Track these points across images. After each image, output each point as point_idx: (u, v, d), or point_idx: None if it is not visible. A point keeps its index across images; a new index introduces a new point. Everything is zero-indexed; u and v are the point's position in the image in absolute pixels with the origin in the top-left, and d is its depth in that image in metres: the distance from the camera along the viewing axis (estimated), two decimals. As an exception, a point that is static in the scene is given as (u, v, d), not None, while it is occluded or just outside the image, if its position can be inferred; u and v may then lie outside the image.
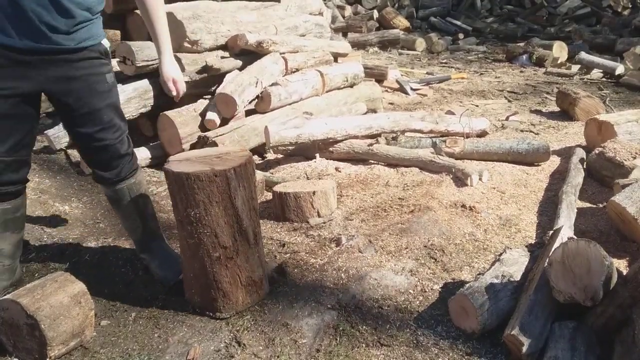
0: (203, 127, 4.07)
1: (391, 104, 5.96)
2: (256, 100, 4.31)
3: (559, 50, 8.63)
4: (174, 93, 2.51)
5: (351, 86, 5.15)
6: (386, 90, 6.39)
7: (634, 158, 3.50)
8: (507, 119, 5.33)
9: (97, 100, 2.24)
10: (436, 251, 2.80)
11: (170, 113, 4.04)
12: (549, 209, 3.30)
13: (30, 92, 2.14)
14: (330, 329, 2.26)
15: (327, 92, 4.85)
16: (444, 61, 8.90)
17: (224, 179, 2.15)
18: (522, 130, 4.97)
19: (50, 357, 2.05)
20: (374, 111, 5.18)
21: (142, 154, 4.17)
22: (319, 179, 3.70)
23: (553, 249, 2.17)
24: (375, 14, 11.20)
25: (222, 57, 4.39)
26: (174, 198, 2.23)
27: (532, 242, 2.93)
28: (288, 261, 2.73)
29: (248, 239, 2.30)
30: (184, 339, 2.22)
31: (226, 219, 2.21)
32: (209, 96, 4.31)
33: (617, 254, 2.75)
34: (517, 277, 2.35)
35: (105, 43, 2.28)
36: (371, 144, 4.02)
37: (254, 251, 2.35)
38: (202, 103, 4.22)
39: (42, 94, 2.22)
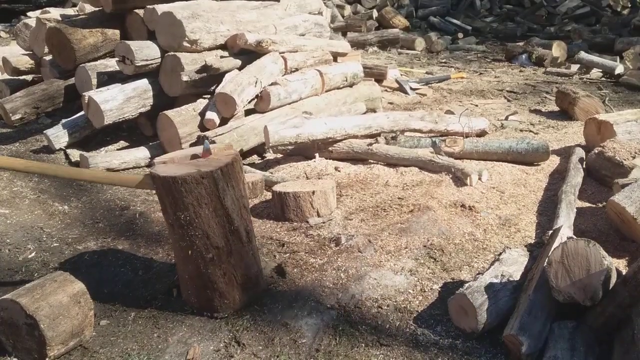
0: (202, 126, 4.06)
1: (390, 103, 5.96)
2: (255, 99, 4.31)
3: (559, 49, 8.63)
4: None
5: (350, 86, 5.15)
6: (385, 90, 6.38)
7: (634, 157, 3.50)
8: (506, 118, 5.32)
9: None
10: (436, 251, 2.81)
11: (169, 113, 4.04)
12: (548, 209, 3.30)
13: None
14: (329, 329, 2.26)
15: (326, 91, 4.85)
16: (443, 61, 8.90)
17: (211, 181, 2.14)
18: (521, 130, 4.97)
19: (50, 356, 2.05)
20: (374, 111, 5.18)
21: (142, 154, 4.17)
22: (319, 178, 3.70)
23: (552, 248, 2.17)
24: (375, 13, 11.20)
25: (222, 57, 4.39)
26: (162, 202, 2.22)
27: (532, 242, 2.93)
28: (287, 261, 2.72)
29: (241, 238, 2.31)
30: (184, 339, 2.22)
31: (217, 220, 2.20)
32: (209, 96, 4.31)
33: (616, 253, 2.75)
34: (517, 276, 2.36)
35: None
36: (371, 144, 4.02)
37: (247, 249, 2.35)
38: (201, 103, 4.22)
39: None
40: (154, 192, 3.69)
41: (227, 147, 2.41)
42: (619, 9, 12.58)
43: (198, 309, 2.36)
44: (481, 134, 4.63)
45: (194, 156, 2.31)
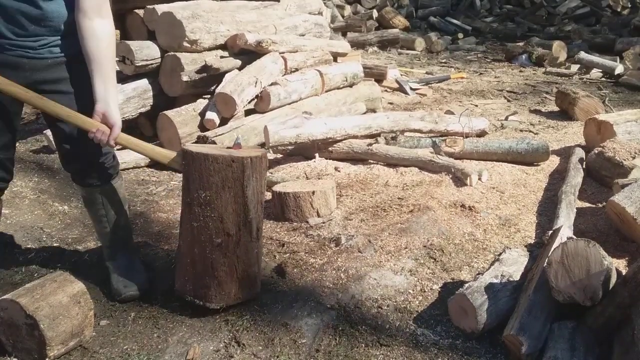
0: (202, 126, 4.06)
1: (390, 103, 5.96)
2: (255, 99, 4.31)
3: (559, 49, 8.63)
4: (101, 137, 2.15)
5: (350, 86, 5.15)
6: (385, 90, 6.38)
7: (633, 158, 3.50)
8: (506, 118, 5.33)
9: (81, 104, 2.19)
10: (435, 251, 2.80)
11: (169, 113, 4.04)
12: (548, 209, 3.30)
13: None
14: (329, 329, 2.26)
15: (326, 91, 4.85)
16: (443, 61, 8.90)
17: (239, 166, 2.20)
18: (521, 130, 4.97)
19: (50, 357, 2.05)
20: (374, 111, 5.18)
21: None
22: (319, 178, 3.70)
23: (552, 248, 2.17)
24: (375, 13, 11.20)
25: (222, 57, 4.39)
26: (186, 179, 2.26)
27: (532, 242, 2.93)
28: (287, 261, 2.72)
29: (251, 232, 2.33)
30: (184, 339, 2.21)
31: (234, 207, 2.24)
32: (208, 96, 4.31)
33: (616, 253, 2.75)
34: (517, 277, 2.36)
35: None
36: (370, 144, 4.02)
37: (254, 245, 2.37)
38: (201, 103, 4.22)
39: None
40: (154, 192, 3.71)
41: (256, 147, 2.48)
42: (618, 9, 12.57)
43: (192, 296, 2.35)
44: (481, 134, 4.63)
45: (228, 148, 2.41)
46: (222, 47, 4.49)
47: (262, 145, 4.10)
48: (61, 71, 2.18)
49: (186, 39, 4.14)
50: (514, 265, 2.44)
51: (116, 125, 2.15)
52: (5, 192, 2.42)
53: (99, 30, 2.08)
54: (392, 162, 3.94)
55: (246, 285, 2.39)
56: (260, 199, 2.35)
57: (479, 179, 3.65)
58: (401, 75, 7.07)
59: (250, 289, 2.42)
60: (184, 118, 4.03)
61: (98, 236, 2.65)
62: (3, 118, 2.17)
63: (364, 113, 5.00)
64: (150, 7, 4.40)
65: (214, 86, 4.28)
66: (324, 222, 3.14)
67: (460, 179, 3.63)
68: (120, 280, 2.49)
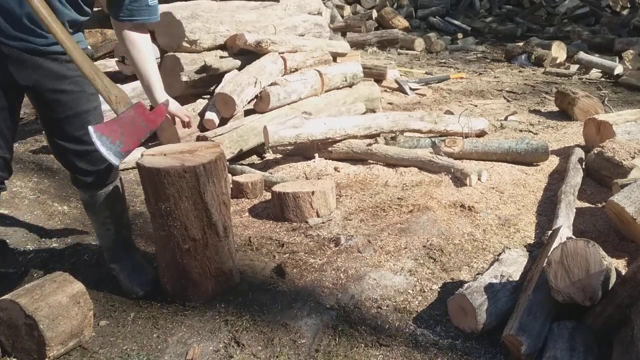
0: (202, 126, 4.06)
1: (390, 103, 5.96)
2: (255, 100, 4.31)
3: (558, 50, 8.64)
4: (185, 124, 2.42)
5: (350, 86, 5.15)
6: (385, 90, 6.39)
7: (633, 158, 3.50)
8: (506, 118, 5.33)
9: (85, 103, 2.23)
10: (435, 251, 2.80)
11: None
12: (547, 209, 3.30)
13: (21, 87, 2.15)
14: (329, 329, 2.26)
15: (326, 92, 4.85)
16: (442, 61, 8.90)
17: (193, 175, 2.20)
18: (521, 130, 4.98)
19: (49, 357, 2.05)
20: (373, 111, 5.18)
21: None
22: (318, 179, 3.70)
23: (552, 248, 2.17)
24: (374, 13, 11.20)
25: (221, 57, 4.39)
26: (146, 192, 2.30)
27: (531, 242, 2.93)
28: (287, 261, 2.72)
29: (218, 232, 2.35)
30: (183, 339, 2.21)
31: (196, 213, 2.26)
32: (208, 96, 4.31)
33: (615, 253, 2.75)
34: (516, 277, 2.36)
35: (89, 50, 2.32)
36: (370, 144, 4.02)
37: (223, 244, 2.41)
38: (201, 103, 4.22)
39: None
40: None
41: (214, 145, 2.46)
42: (618, 9, 12.59)
43: (172, 296, 2.43)
44: (480, 134, 4.63)
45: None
46: (222, 47, 4.49)
47: (262, 145, 4.11)
48: (64, 70, 2.17)
49: (185, 39, 4.14)
50: (514, 265, 2.44)
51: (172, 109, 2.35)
52: (5, 191, 2.42)
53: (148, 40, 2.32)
54: (392, 162, 3.94)
55: (223, 280, 2.45)
56: (223, 199, 2.36)
57: (479, 179, 3.65)
58: (401, 75, 7.07)
59: (227, 283, 2.47)
60: (183, 118, 4.03)
61: (99, 239, 2.64)
62: (3, 116, 2.16)
63: (364, 113, 5.00)
64: (150, 7, 4.40)
65: (214, 86, 4.29)
66: (323, 222, 3.15)
67: (459, 179, 3.63)
68: (133, 279, 2.52)
